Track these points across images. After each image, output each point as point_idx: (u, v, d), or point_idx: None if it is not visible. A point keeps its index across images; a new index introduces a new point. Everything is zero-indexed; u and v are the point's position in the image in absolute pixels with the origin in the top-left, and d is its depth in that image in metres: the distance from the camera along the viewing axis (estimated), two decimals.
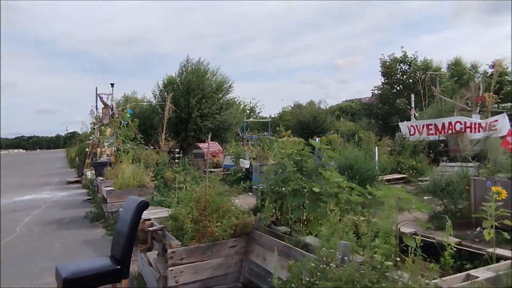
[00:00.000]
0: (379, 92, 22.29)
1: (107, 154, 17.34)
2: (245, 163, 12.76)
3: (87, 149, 19.42)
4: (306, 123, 24.26)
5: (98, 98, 19.20)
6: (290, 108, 61.82)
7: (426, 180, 10.55)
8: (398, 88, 22.08)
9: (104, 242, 6.53)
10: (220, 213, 3.99)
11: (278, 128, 28.70)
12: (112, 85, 19.11)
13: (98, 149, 17.76)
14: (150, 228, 4.23)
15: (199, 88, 24.13)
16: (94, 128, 19.14)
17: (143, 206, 3.63)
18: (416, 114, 15.77)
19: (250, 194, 12.18)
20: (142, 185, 8.07)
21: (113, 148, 16.06)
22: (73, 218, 8.90)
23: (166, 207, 6.91)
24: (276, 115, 58.13)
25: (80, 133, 45.02)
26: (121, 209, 6.77)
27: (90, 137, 18.93)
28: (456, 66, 33.74)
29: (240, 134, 27.32)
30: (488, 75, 34.81)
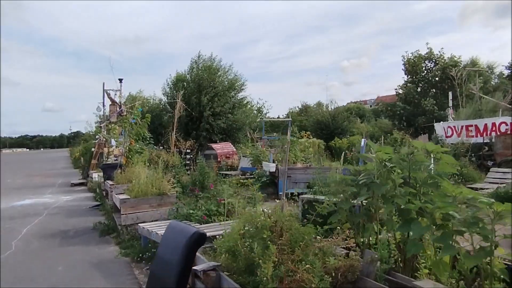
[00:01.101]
0: (403, 91, 20.89)
1: (115, 155, 16.13)
2: (270, 167, 11.43)
3: (93, 149, 18.19)
4: (325, 124, 22.81)
5: (105, 94, 17.94)
6: (297, 109, 60.68)
7: (486, 188, 9.23)
8: (423, 87, 20.68)
9: (119, 267, 5.22)
10: (304, 249, 2.67)
11: (292, 129, 27.32)
12: (120, 80, 17.85)
13: (105, 149, 16.51)
14: (197, 268, 2.90)
15: (210, 86, 22.85)
16: (100, 127, 17.87)
17: (198, 240, 2.32)
18: (453, 115, 14.44)
19: (277, 201, 10.84)
20: (163, 193, 6.76)
21: (122, 148, 14.84)
22: (79, 229, 7.61)
23: (196, 222, 5.61)
24: (284, 115, 56.86)
25: (84, 132, 43.94)
26: (146, 228, 5.45)
27: (96, 136, 17.66)
28: (473, 67, 32.39)
29: (248, 135, 26.03)
30: (504, 76, 33.33)
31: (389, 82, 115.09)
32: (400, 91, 21.22)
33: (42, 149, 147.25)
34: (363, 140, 9.18)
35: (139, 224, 5.53)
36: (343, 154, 14.87)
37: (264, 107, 37.73)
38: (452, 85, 19.91)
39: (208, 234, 4.73)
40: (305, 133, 19.26)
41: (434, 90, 20.26)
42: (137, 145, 12.40)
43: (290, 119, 21.06)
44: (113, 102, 17.80)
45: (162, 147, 19.23)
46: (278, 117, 56.46)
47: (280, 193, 11.04)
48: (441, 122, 14.40)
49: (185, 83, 23.49)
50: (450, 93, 14.43)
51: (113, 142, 16.72)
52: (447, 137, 14.37)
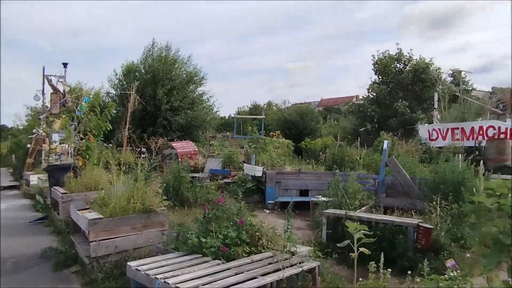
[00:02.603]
0: (374, 92, 20.19)
1: (57, 153, 13.60)
2: (256, 171, 9.76)
3: (28, 145, 15.30)
4: (293, 123, 21.53)
5: (45, 80, 15.14)
6: (247, 108, 59.67)
7: None
8: (393, 88, 20.15)
9: None
10: None
11: (251, 128, 25.84)
12: (64, 65, 15.16)
13: (45, 146, 13.84)
14: None
15: (167, 78, 20.68)
16: (39, 119, 15.05)
17: None
18: (439, 116, 13.79)
19: (267, 211, 9.23)
20: (149, 210, 4.87)
21: (67, 145, 12.38)
22: (22, 258, 5.43)
23: (213, 256, 3.84)
24: (234, 114, 55.44)
25: (10, 126, 39.11)
26: (143, 271, 3.43)
27: (34, 130, 14.84)
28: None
29: (202, 133, 24.14)
30: (448, 82, 34.61)
31: (332, 85, 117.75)
32: (372, 93, 20.55)
33: None
34: (385, 142, 7.87)
35: (129, 264, 3.63)
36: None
37: (215, 105, 35.70)
38: (423, 87, 19.60)
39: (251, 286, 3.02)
40: (274, 132, 17.81)
41: (403, 92, 19.80)
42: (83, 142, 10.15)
43: (264, 116, 19.50)
44: (55, 90, 15.09)
45: (111, 145, 16.78)
46: (229, 116, 54.86)
47: (269, 201, 9.45)
48: (426, 124, 13.72)
49: (137, 74, 21.05)
50: (436, 94, 13.83)
51: (55, 137, 14.11)
52: (431, 140, 13.69)
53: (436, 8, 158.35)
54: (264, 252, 4.03)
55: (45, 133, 13.51)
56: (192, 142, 18.69)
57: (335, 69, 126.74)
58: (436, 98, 13.72)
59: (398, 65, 20.60)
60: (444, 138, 13.38)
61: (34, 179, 11.26)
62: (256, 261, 3.73)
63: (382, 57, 20.51)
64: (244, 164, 11.16)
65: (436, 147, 13.19)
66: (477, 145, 12.28)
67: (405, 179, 6.68)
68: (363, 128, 20.23)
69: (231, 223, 4.39)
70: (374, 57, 20.86)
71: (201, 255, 3.88)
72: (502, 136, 12.36)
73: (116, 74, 22.29)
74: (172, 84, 20.71)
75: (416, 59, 20.31)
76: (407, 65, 20.26)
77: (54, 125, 13.85)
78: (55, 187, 7.73)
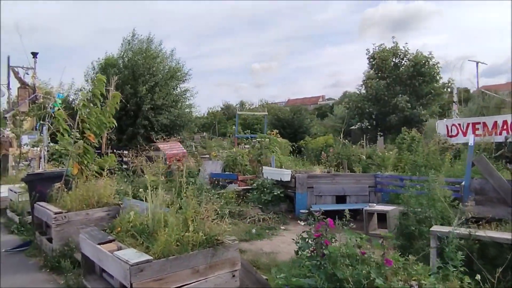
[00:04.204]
0: (371, 88, 19.07)
1: (28, 158, 11.57)
2: (284, 174, 8.23)
3: None
4: (287, 122, 20.13)
5: (11, 72, 12.91)
6: (219, 109, 57.96)
7: None
8: (390, 83, 19.17)
9: None
10: None
11: (234, 126, 24.30)
12: (34, 54, 12.97)
13: (12, 150, 11.69)
14: None
15: (149, 74, 18.71)
16: (5, 118, 12.77)
17: None
18: (457, 111, 12.82)
19: (302, 223, 7.72)
20: (216, 242, 3.26)
21: (44, 147, 10.36)
22: None
23: None
24: (204, 115, 53.81)
25: None
26: None
27: None
28: None
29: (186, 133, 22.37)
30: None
31: (296, 86, 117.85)
32: (369, 88, 19.40)
33: None
34: (471, 137, 6.59)
35: None
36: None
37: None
38: (422, 81, 18.73)
39: None
40: (272, 131, 16.33)
41: (401, 87, 18.87)
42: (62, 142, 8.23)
43: (266, 113, 17.94)
44: (23, 84, 12.90)
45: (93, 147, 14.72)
46: (203, 116, 52.85)
47: (301, 210, 7.95)
48: (445, 119, 12.73)
49: (116, 69, 18.92)
50: (455, 88, 12.92)
51: (25, 139, 11.99)
52: (450, 136, 12.65)
53: (395, 11, 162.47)
54: None
55: (14, 134, 11.34)
56: (179, 143, 16.92)
57: (298, 70, 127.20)
58: (455, 91, 12.81)
59: (395, 60, 19.69)
60: (464, 134, 12.37)
61: (5, 191, 9.11)
62: None
63: (379, 51, 19.51)
64: (264, 167, 9.61)
65: (458, 143, 12.18)
66: (507, 140, 11.36)
67: (501, 183, 5.39)
68: (357, 126, 19.16)
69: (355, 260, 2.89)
70: (369, 51, 19.87)
71: None
72: None
73: (95, 67, 20.09)
74: (154, 80, 18.80)
75: (413, 53, 19.47)
76: (403, 60, 19.40)
77: (24, 125, 11.73)
78: (41, 203, 5.89)
